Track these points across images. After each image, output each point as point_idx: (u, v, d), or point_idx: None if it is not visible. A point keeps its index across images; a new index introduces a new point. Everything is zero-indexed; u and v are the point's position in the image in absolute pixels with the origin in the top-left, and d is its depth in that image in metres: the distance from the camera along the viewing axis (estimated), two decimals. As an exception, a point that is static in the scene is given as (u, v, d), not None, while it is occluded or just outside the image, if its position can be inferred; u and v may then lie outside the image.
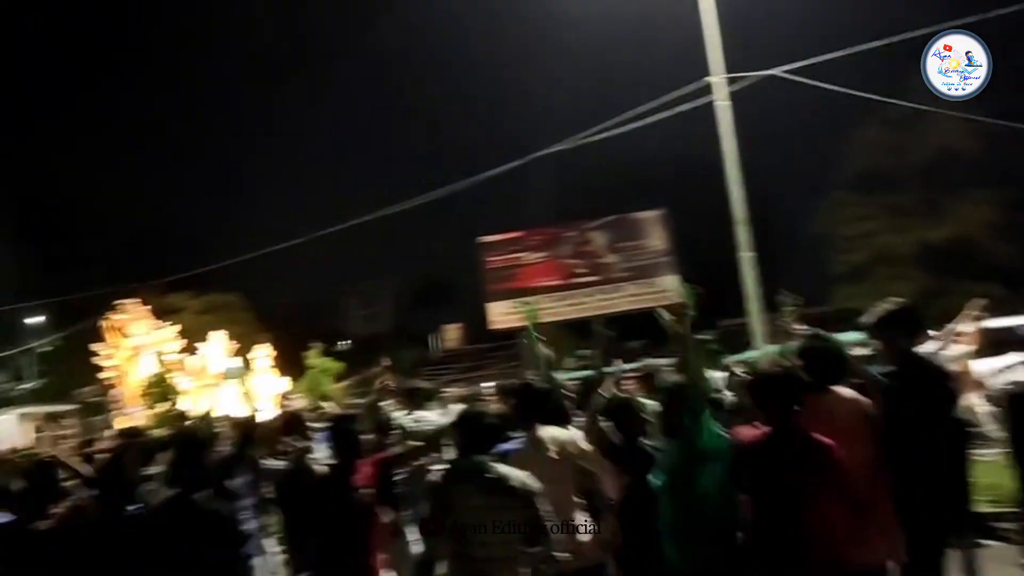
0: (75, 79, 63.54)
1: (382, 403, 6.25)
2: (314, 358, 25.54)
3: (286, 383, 20.93)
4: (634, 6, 19.80)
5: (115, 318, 20.44)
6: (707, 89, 13.70)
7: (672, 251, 27.04)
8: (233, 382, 20.86)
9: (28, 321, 34.51)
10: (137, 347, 20.25)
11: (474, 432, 3.82)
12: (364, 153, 70.35)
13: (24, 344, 33.44)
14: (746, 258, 13.69)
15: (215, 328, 25.34)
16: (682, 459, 3.87)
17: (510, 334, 26.81)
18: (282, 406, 10.16)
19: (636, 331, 11.47)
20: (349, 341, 39.75)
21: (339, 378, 26.07)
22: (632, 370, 8.80)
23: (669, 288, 26.06)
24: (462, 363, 32.98)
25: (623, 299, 26.85)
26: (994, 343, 8.44)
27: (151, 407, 19.89)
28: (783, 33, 19.27)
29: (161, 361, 21.28)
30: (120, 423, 18.27)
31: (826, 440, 3.59)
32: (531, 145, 17.55)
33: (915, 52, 9.61)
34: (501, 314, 27.07)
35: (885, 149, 28.16)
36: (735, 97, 13.68)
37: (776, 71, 13.60)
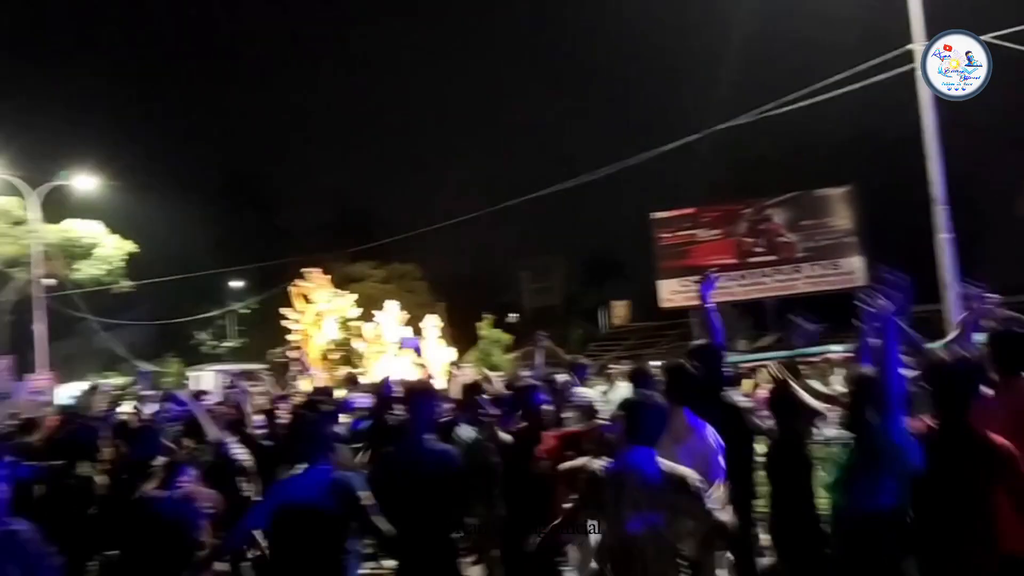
0: (284, 60, 68.29)
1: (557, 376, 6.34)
2: (485, 329, 26.21)
3: (453, 353, 21.63)
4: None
5: (301, 285, 21.85)
6: (906, 58, 12.71)
7: (859, 230, 25.53)
8: (406, 350, 21.83)
9: (232, 285, 37.79)
10: (319, 313, 21.52)
11: (641, 421, 3.62)
12: (539, 127, 70.97)
13: (227, 306, 36.65)
14: (943, 240, 12.69)
15: (395, 296, 26.54)
16: (859, 459, 3.54)
17: (680, 312, 26.34)
18: (450, 375, 10.51)
19: (816, 313, 10.96)
20: (517, 314, 40.49)
21: (508, 350, 26.69)
22: (812, 355, 8.42)
23: (855, 270, 24.68)
24: (629, 340, 32.75)
25: (803, 280, 25.72)
26: None
27: (333, 370, 21.16)
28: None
29: (344, 327, 22.55)
30: (304, 384, 19.53)
31: (1001, 441, 3.25)
32: (709, 117, 16.97)
33: None
34: (672, 292, 26.68)
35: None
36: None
37: (985, 37, 12.40)
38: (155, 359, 31.06)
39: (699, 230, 27.30)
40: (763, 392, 5.75)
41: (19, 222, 25.96)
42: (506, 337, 26.09)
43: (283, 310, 21.90)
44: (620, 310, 38.14)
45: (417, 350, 20.74)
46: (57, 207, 26.36)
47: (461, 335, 28.24)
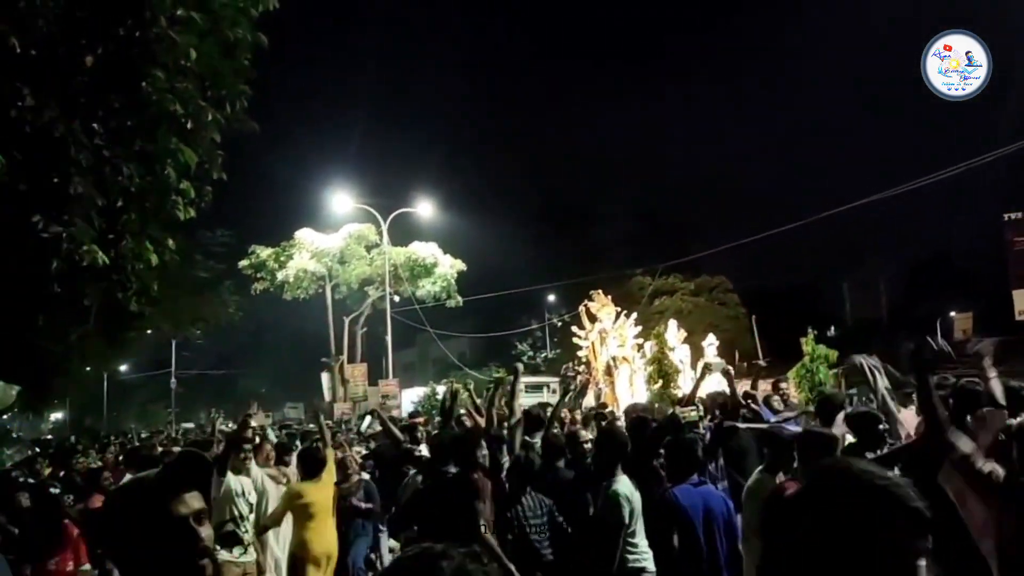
0: (591, 86, 71.07)
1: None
2: (808, 344, 24.88)
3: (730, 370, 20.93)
4: None
5: (589, 304, 22.41)
6: None
7: None
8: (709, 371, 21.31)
9: (549, 298, 39.82)
10: (603, 331, 21.92)
11: None
12: (859, 130, 66.43)
13: (543, 320, 38.66)
14: None
15: (707, 309, 26.20)
16: None
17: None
18: (778, 391, 10.21)
19: None
20: (834, 327, 38.02)
21: (832, 366, 25.02)
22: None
23: None
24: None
25: None
26: None
27: (651, 387, 21.37)
28: None
29: (656, 346, 22.74)
30: (590, 398, 19.97)
31: None
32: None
33: None
34: (1030, 303, 23.61)
35: None
36: None
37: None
38: (480, 368, 33.43)
39: (1067, 233, 23.91)
40: None
41: (371, 246, 29.47)
42: (831, 353, 24.43)
43: (574, 328, 22.70)
44: (963, 323, 34.22)
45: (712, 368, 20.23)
46: (401, 231, 29.55)
47: (776, 348, 26.97)
